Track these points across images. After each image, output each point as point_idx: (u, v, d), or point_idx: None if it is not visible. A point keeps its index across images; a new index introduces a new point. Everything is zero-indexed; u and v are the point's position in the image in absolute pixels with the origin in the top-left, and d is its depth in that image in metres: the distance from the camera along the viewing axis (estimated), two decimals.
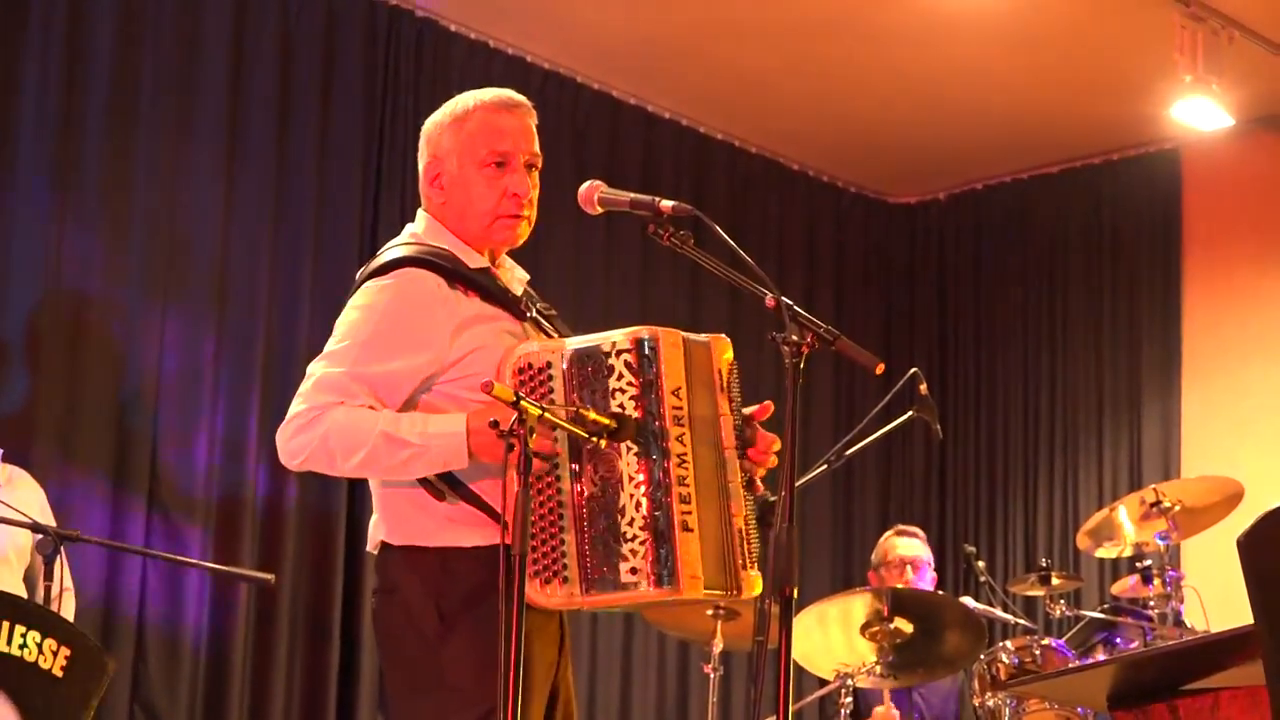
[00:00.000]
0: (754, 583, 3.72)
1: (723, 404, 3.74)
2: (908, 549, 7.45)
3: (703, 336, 3.78)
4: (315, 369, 3.76)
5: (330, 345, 3.80)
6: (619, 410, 3.61)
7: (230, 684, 7.43)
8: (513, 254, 4.05)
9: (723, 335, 3.81)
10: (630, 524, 3.57)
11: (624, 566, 3.57)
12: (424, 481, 3.74)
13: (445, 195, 3.94)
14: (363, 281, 3.87)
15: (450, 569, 3.72)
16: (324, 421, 3.68)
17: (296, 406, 3.73)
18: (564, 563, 3.61)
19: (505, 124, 3.94)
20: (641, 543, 3.56)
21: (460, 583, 3.71)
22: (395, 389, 3.74)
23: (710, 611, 6.17)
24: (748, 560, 3.71)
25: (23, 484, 5.95)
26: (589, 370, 3.66)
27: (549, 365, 3.68)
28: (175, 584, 7.32)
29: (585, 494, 3.62)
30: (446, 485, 3.73)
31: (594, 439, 3.58)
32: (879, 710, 6.81)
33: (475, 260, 3.88)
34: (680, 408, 3.64)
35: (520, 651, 3.40)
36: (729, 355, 3.79)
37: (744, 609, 6.10)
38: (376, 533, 3.86)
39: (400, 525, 3.81)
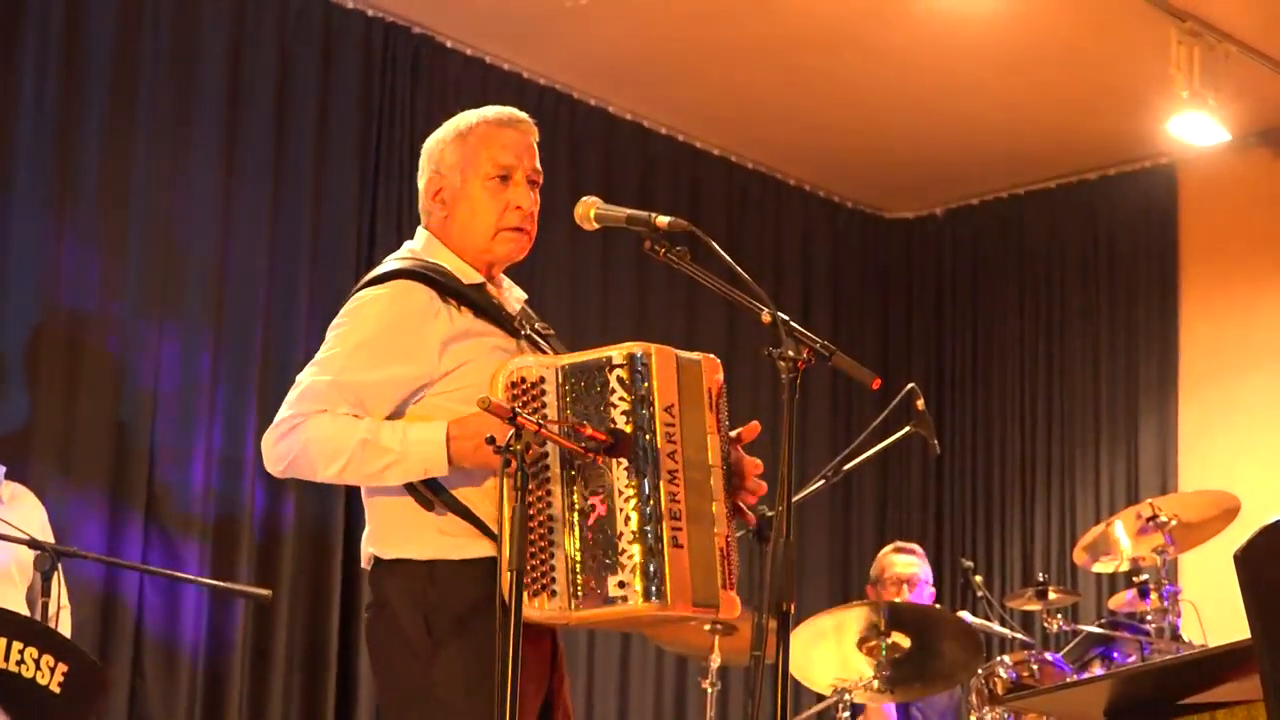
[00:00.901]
0: (733, 603, 3.73)
1: (711, 422, 3.74)
2: (905, 567, 7.45)
3: (694, 355, 3.79)
4: (303, 377, 3.80)
5: (320, 353, 3.83)
6: (612, 426, 3.62)
7: (228, 699, 7.42)
8: (509, 269, 4.07)
9: (713, 355, 3.81)
10: (620, 538, 3.58)
11: (613, 580, 3.57)
12: (411, 490, 3.76)
13: (447, 210, 3.96)
14: (356, 293, 3.89)
15: (439, 582, 3.73)
16: (306, 429, 3.72)
17: (282, 413, 3.77)
18: (553, 575, 3.60)
19: (508, 139, 3.98)
20: (630, 557, 3.56)
21: (449, 596, 3.72)
22: (380, 398, 3.76)
23: (707, 627, 6.17)
24: (728, 580, 3.72)
25: (24, 501, 5.96)
26: (582, 385, 3.67)
27: (542, 380, 3.69)
28: (173, 600, 7.32)
29: (577, 509, 3.62)
30: (433, 494, 3.74)
31: (589, 455, 3.59)
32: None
33: (471, 277, 3.90)
34: (673, 424, 3.65)
35: (517, 668, 3.40)
36: (719, 375, 3.80)
37: (741, 624, 6.10)
38: (368, 547, 3.88)
39: (390, 539, 3.82)
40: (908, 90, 9.18)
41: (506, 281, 4.05)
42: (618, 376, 3.65)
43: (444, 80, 8.57)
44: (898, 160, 10.20)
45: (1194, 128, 8.66)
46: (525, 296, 4.07)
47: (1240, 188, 9.76)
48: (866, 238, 10.93)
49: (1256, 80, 8.73)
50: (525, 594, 3.55)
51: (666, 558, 3.57)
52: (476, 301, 3.86)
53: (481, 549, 3.70)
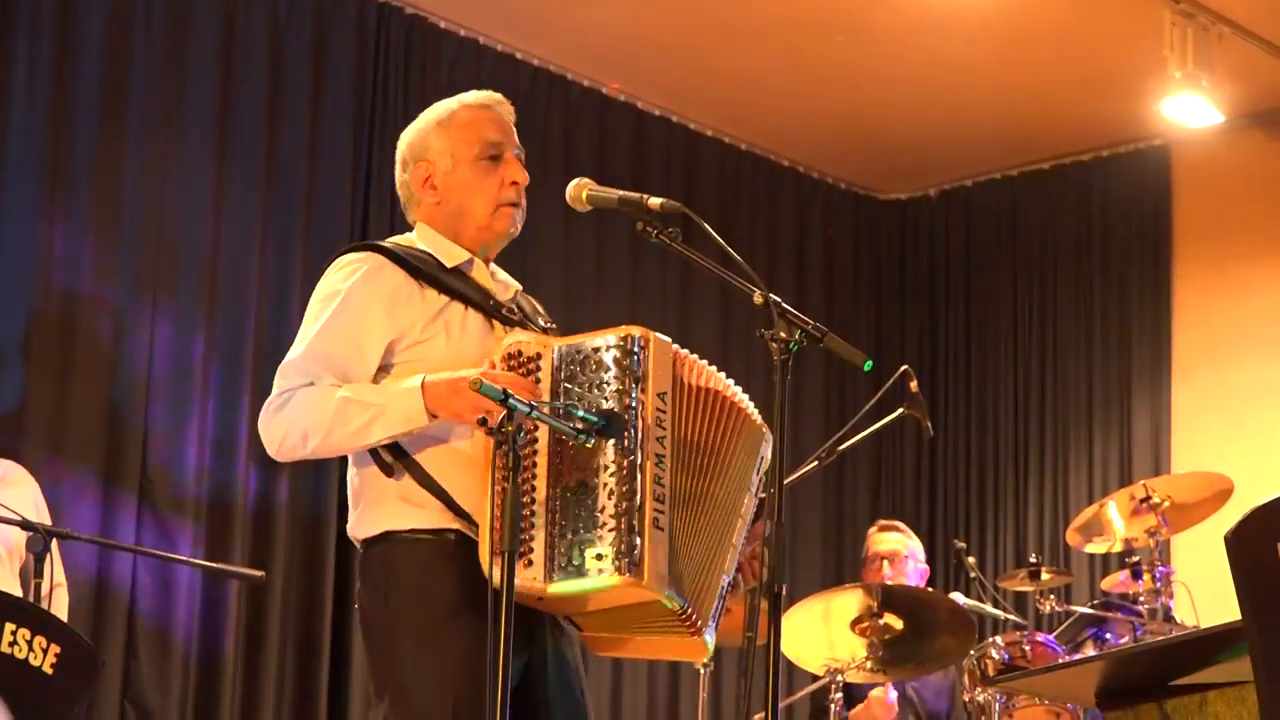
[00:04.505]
0: (707, 639, 3.78)
1: (754, 483, 3.80)
2: (884, 544, 7.43)
3: (763, 426, 3.86)
4: (289, 353, 3.86)
5: (301, 328, 3.90)
6: (605, 406, 3.63)
7: (221, 681, 7.43)
8: (502, 255, 4.09)
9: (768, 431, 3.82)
10: (602, 512, 3.60)
11: (590, 553, 3.60)
12: (375, 456, 3.80)
13: (439, 194, 4.01)
14: (331, 263, 3.97)
15: (397, 562, 3.79)
16: (292, 403, 3.79)
17: (272, 393, 3.84)
18: (531, 545, 3.63)
19: (492, 118, 4.04)
20: (611, 530, 3.58)
21: (408, 581, 3.76)
22: (357, 367, 3.80)
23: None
24: (714, 613, 3.80)
25: (17, 480, 5.93)
26: (577, 365, 3.71)
27: (539, 356, 3.73)
28: (166, 581, 7.31)
29: (560, 486, 3.64)
30: (396, 459, 3.78)
31: (580, 437, 3.61)
32: (876, 692, 6.81)
33: (455, 259, 3.94)
34: (664, 411, 3.68)
35: (509, 653, 3.41)
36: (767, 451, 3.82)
37: (735, 605, 6.09)
38: (350, 531, 3.94)
39: (360, 518, 3.92)
40: (901, 71, 9.17)
41: (502, 273, 4.08)
42: (613, 357, 3.68)
43: (437, 61, 8.56)
44: (891, 142, 10.19)
45: (1187, 109, 8.66)
46: (519, 287, 4.10)
47: (1233, 169, 9.76)
48: (860, 219, 10.93)
49: (1250, 61, 8.72)
50: (499, 559, 3.55)
51: (646, 535, 3.59)
52: (452, 285, 3.89)
53: (441, 520, 3.73)
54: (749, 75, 9.30)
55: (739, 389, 3.92)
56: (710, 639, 3.81)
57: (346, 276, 3.87)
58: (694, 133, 9.91)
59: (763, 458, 3.86)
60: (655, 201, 3.78)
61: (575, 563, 3.60)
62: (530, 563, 3.62)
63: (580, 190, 3.90)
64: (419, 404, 3.68)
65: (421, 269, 3.87)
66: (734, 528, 3.81)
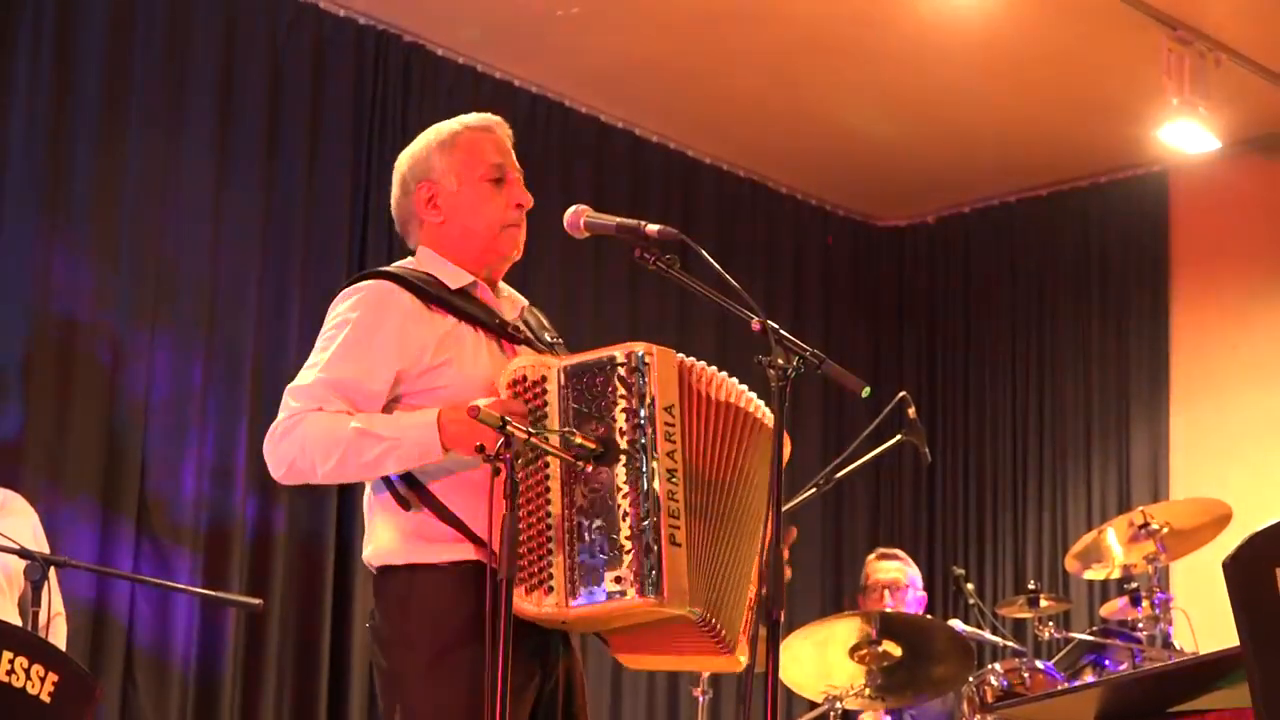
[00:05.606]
0: (737, 653, 3.76)
1: (769, 480, 3.74)
2: (885, 573, 7.45)
3: (769, 420, 3.78)
4: (297, 379, 3.83)
5: (311, 355, 3.87)
6: (608, 429, 3.63)
7: (219, 709, 7.41)
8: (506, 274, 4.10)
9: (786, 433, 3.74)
10: (619, 534, 3.59)
11: (610, 575, 3.59)
12: (390, 488, 3.77)
13: (444, 214, 3.99)
14: (340, 291, 3.96)
15: (417, 589, 3.74)
16: (302, 427, 3.74)
17: (279, 416, 3.79)
18: (550, 572, 3.62)
19: (493, 141, 4.03)
20: (628, 552, 3.58)
21: (427, 606, 3.73)
22: (370, 394, 3.78)
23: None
24: (738, 623, 3.75)
25: (16, 509, 5.91)
26: (583, 385, 3.70)
27: (544, 379, 3.73)
28: (164, 609, 7.31)
29: (574, 509, 3.63)
30: (412, 492, 3.75)
31: (580, 462, 3.60)
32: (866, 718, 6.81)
33: (459, 280, 3.92)
34: (673, 425, 3.66)
35: (508, 675, 3.40)
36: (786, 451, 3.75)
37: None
38: (368, 560, 3.91)
39: (376, 548, 3.86)
40: (899, 98, 9.19)
41: (508, 289, 4.08)
42: (619, 375, 3.67)
43: (435, 89, 8.57)
44: (889, 168, 10.20)
45: (1185, 135, 8.67)
46: (526, 303, 4.09)
47: (1231, 195, 9.77)
48: (858, 245, 10.94)
49: (1247, 87, 8.74)
50: (521, 589, 3.57)
51: (664, 554, 3.58)
52: (459, 306, 3.88)
53: (461, 551, 3.71)
54: (747, 101, 9.31)
55: (754, 395, 3.87)
56: (742, 652, 3.79)
57: (355, 305, 3.85)
58: (692, 159, 9.92)
59: (777, 460, 3.80)
60: (653, 228, 3.78)
61: (595, 585, 3.60)
62: (551, 589, 3.62)
63: (578, 217, 3.89)
64: (434, 438, 3.66)
65: (429, 291, 3.86)
66: (759, 541, 3.77)
